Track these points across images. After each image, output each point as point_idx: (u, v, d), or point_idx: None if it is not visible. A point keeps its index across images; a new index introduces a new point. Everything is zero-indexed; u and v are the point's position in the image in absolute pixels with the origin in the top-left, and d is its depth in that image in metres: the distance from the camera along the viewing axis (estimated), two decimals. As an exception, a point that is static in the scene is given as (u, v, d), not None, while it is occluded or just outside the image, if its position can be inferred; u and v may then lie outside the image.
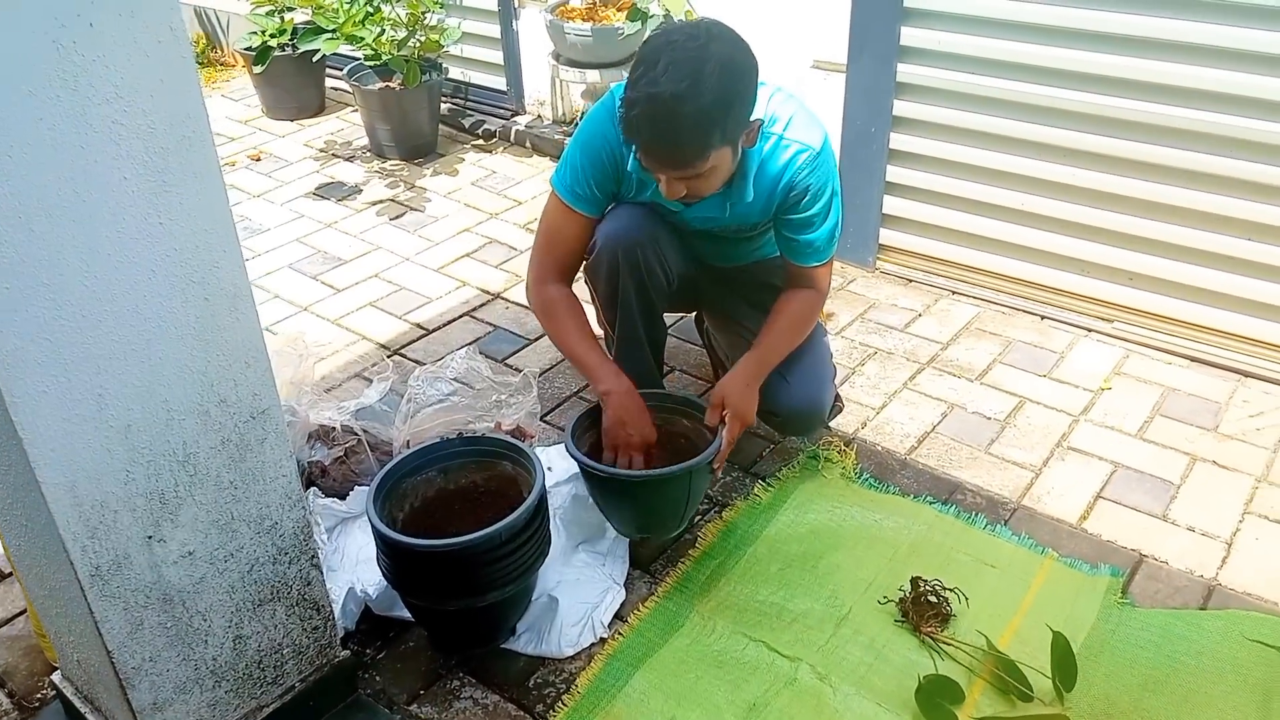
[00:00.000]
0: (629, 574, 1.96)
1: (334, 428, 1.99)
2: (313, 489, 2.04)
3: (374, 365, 2.62)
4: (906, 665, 1.76)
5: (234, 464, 1.42)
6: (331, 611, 1.65)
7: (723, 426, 1.89)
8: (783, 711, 1.67)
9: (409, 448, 1.88)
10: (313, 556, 1.58)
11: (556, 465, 2.16)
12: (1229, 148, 2.38)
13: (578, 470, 2.06)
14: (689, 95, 1.63)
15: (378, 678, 1.78)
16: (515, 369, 2.58)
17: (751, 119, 1.77)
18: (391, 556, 1.68)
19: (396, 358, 2.65)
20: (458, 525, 1.86)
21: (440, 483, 1.85)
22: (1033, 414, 2.40)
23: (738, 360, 2.15)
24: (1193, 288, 2.56)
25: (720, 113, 1.67)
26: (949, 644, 1.79)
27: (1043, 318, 2.76)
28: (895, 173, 2.87)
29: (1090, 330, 2.70)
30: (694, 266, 2.14)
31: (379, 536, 1.66)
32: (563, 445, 2.23)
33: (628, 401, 1.91)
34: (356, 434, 2.02)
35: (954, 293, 2.88)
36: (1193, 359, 2.57)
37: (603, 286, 2.06)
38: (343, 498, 2.07)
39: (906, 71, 2.74)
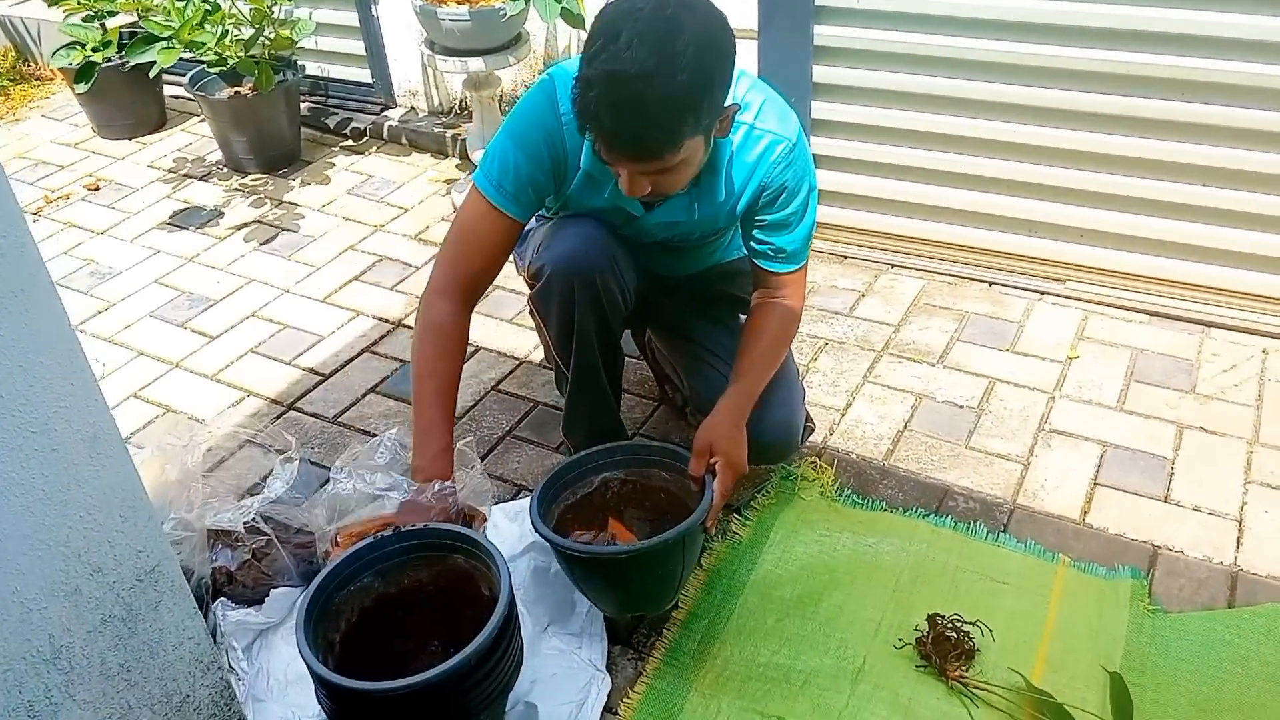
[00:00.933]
0: (609, 652, 1.70)
1: (236, 531, 1.66)
2: (220, 601, 1.71)
3: (266, 427, 2.27)
4: (937, 719, 1.56)
5: (122, 643, 1.11)
6: (269, 776, 1.35)
7: (711, 477, 1.62)
8: (817, 803, 1.45)
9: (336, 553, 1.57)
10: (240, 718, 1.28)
11: (504, 529, 1.88)
12: (1174, 90, 2.23)
13: (535, 538, 1.79)
14: (659, 75, 1.36)
15: (333, 831, 1.48)
16: (434, 412, 2.26)
17: (726, 104, 1.51)
18: (334, 701, 1.38)
19: (293, 414, 2.31)
20: (404, 638, 1.58)
21: (379, 588, 1.55)
22: (1006, 396, 2.23)
23: (698, 384, 1.90)
24: (1147, 240, 2.42)
25: (695, 96, 1.40)
26: (981, 688, 1.59)
27: (991, 284, 2.59)
28: (820, 144, 2.65)
29: (1044, 293, 2.54)
30: (643, 281, 1.86)
31: (316, 678, 1.35)
32: (509, 505, 1.95)
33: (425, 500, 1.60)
34: (265, 532, 1.69)
35: (895, 266, 2.68)
36: (1153, 313, 2.43)
37: (555, 321, 1.75)
38: (257, 603, 1.74)
39: (824, 33, 2.50)
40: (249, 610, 1.72)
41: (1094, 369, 2.28)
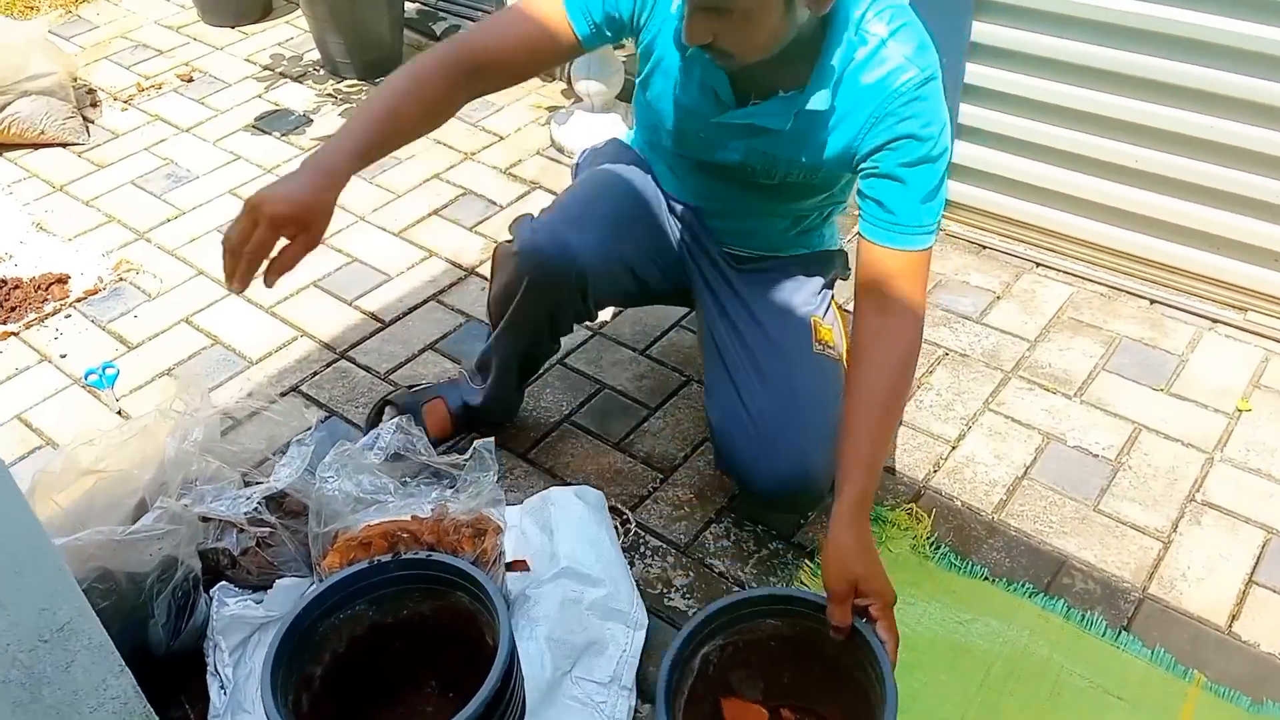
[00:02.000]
0: (635, 709, 1.47)
1: (236, 523, 1.48)
2: (220, 587, 1.54)
3: (314, 375, 2.08)
4: None
5: (22, 709, 0.92)
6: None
7: (867, 624, 1.25)
8: None
9: (322, 574, 1.37)
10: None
11: (534, 541, 1.65)
12: None
13: (565, 565, 1.56)
14: None
15: None
16: (491, 382, 2.04)
17: None
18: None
19: (343, 363, 2.11)
20: (401, 669, 1.38)
21: (373, 617, 1.35)
22: (1152, 449, 1.87)
23: (712, 413, 1.65)
24: (1360, 275, 2.00)
25: None
26: (1072, 837, 1.31)
27: (1152, 302, 2.20)
28: (970, 113, 2.26)
29: (1216, 321, 2.14)
30: (701, 257, 1.70)
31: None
32: (542, 495, 1.71)
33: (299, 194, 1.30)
34: (268, 523, 1.51)
35: (1040, 265, 2.31)
36: (1352, 365, 2.02)
37: (498, 295, 1.70)
38: (263, 589, 1.57)
39: (994, -16, 2.10)
40: (249, 601, 1.55)
41: (1269, 429, 1.90)
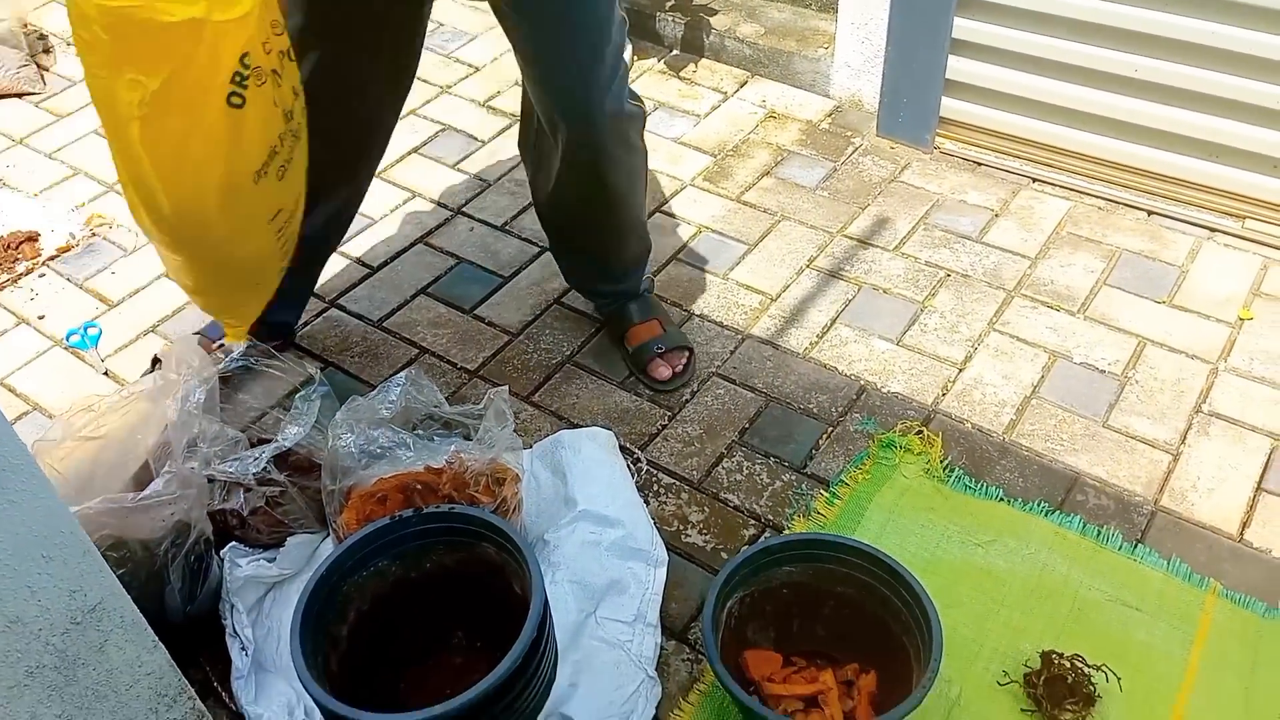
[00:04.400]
0: (661, 647, 1.47)
1: (244, 483, 1.44)
2: (231, 547, 1.51)
3: (306, 325, 2.03)
4: (1045, 782, 1.31)
5: (56, 693, 0.89)
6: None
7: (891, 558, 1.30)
8: None
9: (343, 530, 1.34)
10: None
11: (545, 484, 1.64)
12: None
13: (583, 508, 1.54)
14: None
15: (337, 835, 1.31)
16: (491, 327, 2.00)
17: None
18: (334, 724, 1.17)
19: (334, 312, 2.06)
20: (428, 623, 1.37)
21: (397, 572, 1.32)
22: (1158, 362, 1.87)
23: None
24: (1360, 178, 1.98)
25: None
26: (1101, 750, 1.33)
27: (1150, 214, 2.18)
28: (964, 26, 2.21)
29: (1214, 230, 2.13)
30: None
31: (315, 701, 1.14)
32: (553, 438, 1.69)
33: None
34: (278, 481, 1.47)
35: (1037, 181, 2.28)
36: (1350, 269, 2.02)
37: None
38: (274, 547, 1.55)
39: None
40: (262, 560, 1.52)
41: (1271, 336, 1.90)
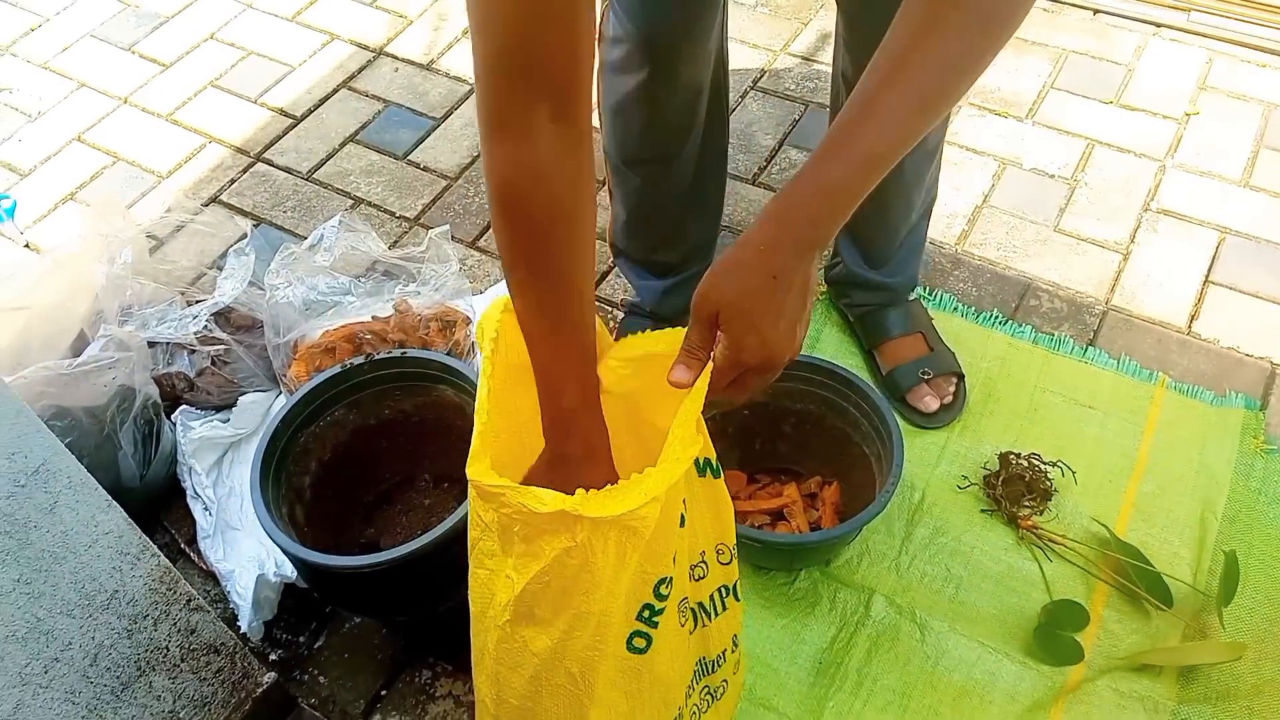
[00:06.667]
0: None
1: (186, 344, 1.39)
2: (181, 410, 1.48)
3: (233, 182, 1.94)
4: (1004, 575, 1.36)
5: (10, 557, 0.87)
6: (236, 646, 1.16)
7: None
8: (862, 675, 1.28)
9: (294, 384, 1.31)
10: (188, 600, 1.07)
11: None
12: None
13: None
14: None
15: (321, 678, 1.33)
16: (428, 172, 1.92)
17: None
18: (307, 572, 1.17)
19: (261, 167, 1.97)
20: (392, 468, 1.36)
21: (354, 420, 1.30)
22: (1106, 163, 1.85)
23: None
24: (1307, -39, 1.94)
25: None
26: (1057, 541, 1.38)
27: (1096, 12, 2.13)
28: None
29: (1160, 26, 2.08)
30: None
31: (284, 550, 1.13)
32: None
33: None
34: (221, 340, 1.43)
35: (981, -14, 2.20)
36: (1295, 57, 2.00)
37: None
38: (226, 408, 1.51)
39: None
40: (215, 422, 1.49)
41: (1217, 130, 1.89)
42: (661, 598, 0.82)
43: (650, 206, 1.44)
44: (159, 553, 1.01)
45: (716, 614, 0.94)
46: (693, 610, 0.91)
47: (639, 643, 0.83)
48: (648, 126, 1.33)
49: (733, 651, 1.01)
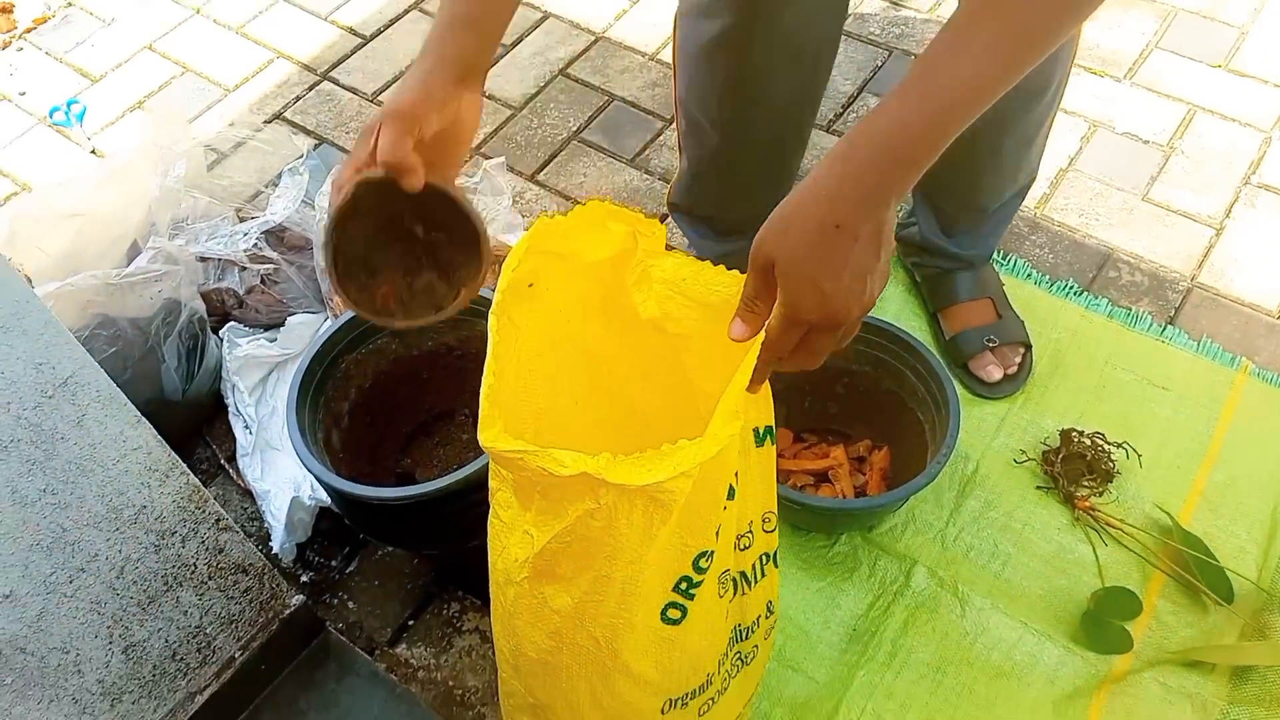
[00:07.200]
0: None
1: (236, 261, 1.38)
2: (229, 327, 1.47)
3: (298, 100, 1.92)
4: (1055, 556, 1.30)
5: (37, 467, 0.87)
6: (265, 567, 1.16)
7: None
8: (896, 646, 1.24)
9: (339, 307, 1.29)
10: (217, 520, 1.07)
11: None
12: None
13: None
14: None
15: (350, 603, 1.34)
16: (492, 100, 1.88)
17: None
18: (337, 498, 1.16)
19: (327, 85, 1.95)
20: (433, 401, 1.34)
21: (396, 350, 1.28)
22: (1207, 131, 1.74)
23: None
24: None
25: None
26: (1115, 525, 1.31)
27: (1212, -33, 1.99)
28: None
29: (1282, -15, 1.94)
30: None
31: (315, 476, 1.13)
32: None
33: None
34: (269, 259, 1.41)
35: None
36: None
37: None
38: (274, 327, 1.51)
39: None
40: (262, 340, 1.48)
41: (1331, 101, 1.76)
42: (700, 570, 0.78)
43: (724, 165, 1.36)
44: (188, 471, 1.00)
45: (755, 582, 0.91)
46: (734, 579, 0.88)
47: (673, 614, 0.80)
48: (735, 83, 1.23)
49: (767, 617, 0.98)
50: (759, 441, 0.83)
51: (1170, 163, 1.70)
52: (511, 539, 0.81)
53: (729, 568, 0.86)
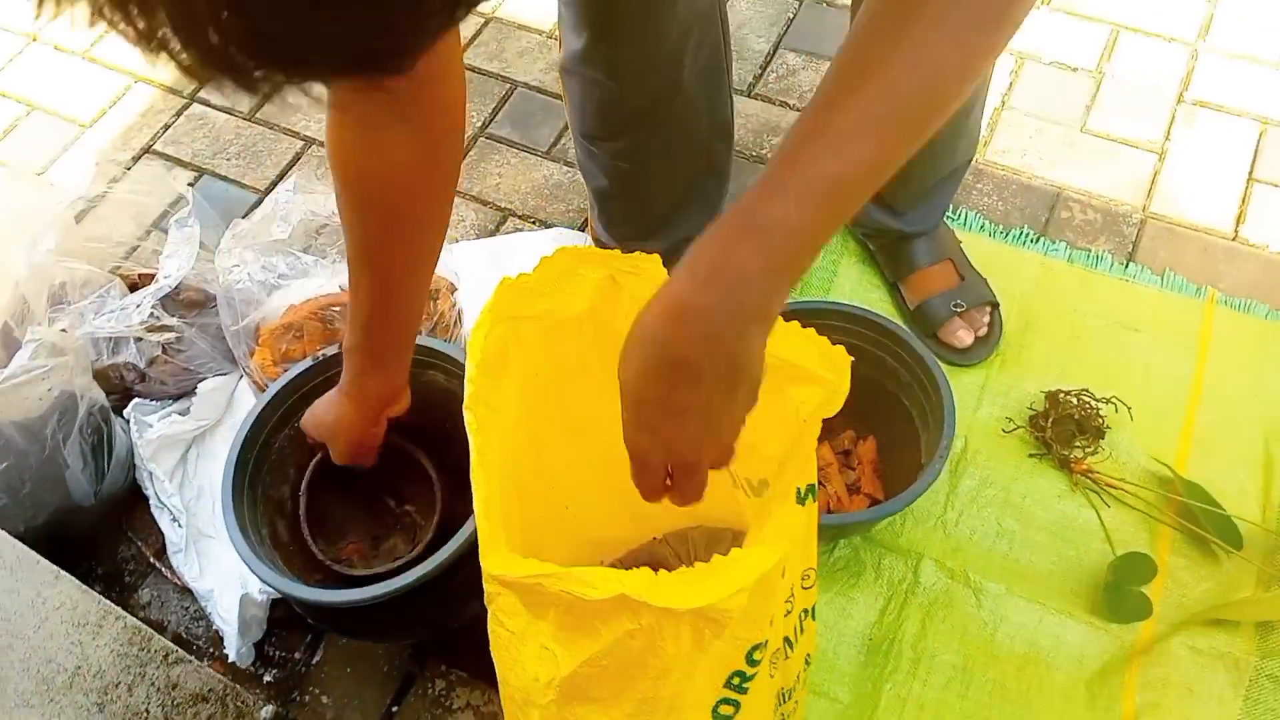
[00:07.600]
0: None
1: (132, 336, 1.22)
2: (134, 404, 1.31)
3: (166, 128, 1.73)
4: (1059, 526, 1.25)
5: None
6: (226, 689, 1.02)
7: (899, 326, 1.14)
8: (918, 651, 1.17)
9: (259, 375, 1.14)
10: (165, 655, 0.94)
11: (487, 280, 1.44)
12: None
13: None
14: None
15: (324, 698, 1.21)
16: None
17: None
18: (303, 607, 1.03)
19: (197, 108, 1.75)
20: (385, 460, 1.20)
21: (335, 416, 1.14)
22: (1132, 50, 1.69)
23: None
24: None
25: None
26: (1114, 485, 1.26)
27: (1108, -126, 1.93)
28: None
29: (1181, -113, 1.89)
30: None
31: (270, 585, 0.99)
32: (489, 242, 1.49)
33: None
34: (172, 328, 1.25)
35: None
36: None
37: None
38: (183, 397, 1.35)
39: None
40: (174, 414, 1.33)
41: (1251, 2, 1.72)
42: (754, 663, 0.69)
43: (625, 188, 1.28)
44: (123, 614, 0.87)
45: (796, 642, 0.82)
46: (779, 649, 0.79)
47: (725, 710, 0.71)
48: (604, 98, 1.18)
49: (805, 669, 0.89)
50: (800, 500, 0.74)
51: (1102, 89, 1.64)
52: (525, 651, 0.70)
53: (777, 645, 0.77)
